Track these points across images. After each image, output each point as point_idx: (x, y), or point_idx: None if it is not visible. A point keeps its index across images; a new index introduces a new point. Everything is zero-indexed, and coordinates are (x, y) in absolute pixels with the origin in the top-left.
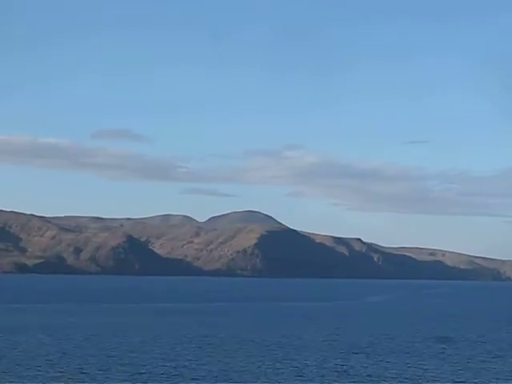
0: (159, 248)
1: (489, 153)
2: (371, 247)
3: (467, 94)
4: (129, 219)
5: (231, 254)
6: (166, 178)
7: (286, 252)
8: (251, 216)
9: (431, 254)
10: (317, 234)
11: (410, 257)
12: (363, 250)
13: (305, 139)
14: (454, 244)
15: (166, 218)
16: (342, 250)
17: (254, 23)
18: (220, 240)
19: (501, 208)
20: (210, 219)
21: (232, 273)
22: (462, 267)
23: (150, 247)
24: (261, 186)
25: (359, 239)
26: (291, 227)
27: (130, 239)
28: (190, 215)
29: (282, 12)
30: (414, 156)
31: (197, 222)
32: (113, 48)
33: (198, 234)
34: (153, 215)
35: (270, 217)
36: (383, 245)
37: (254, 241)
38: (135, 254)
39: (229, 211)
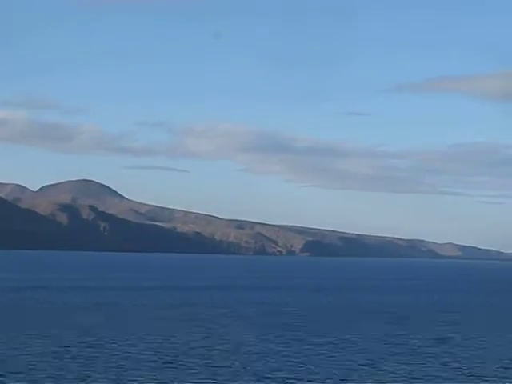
0: None
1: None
2: (101, 215)
3: None
4: None
5: None
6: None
7: None
8: (84, 185)
9: (240, 227)
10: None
11: (162, 227)
12: (90, 219)
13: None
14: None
15: None
16: (62, 218)
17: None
18: None
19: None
20: (41, 188)
21: None
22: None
23: None
24: (213, 161)
25: (92, 206)
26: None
27: None
28: (22, 184)
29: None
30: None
31: (29, 190)
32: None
33: None
34: None
35: (107, 186)
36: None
37: None
38: None
39: (62, 180)
